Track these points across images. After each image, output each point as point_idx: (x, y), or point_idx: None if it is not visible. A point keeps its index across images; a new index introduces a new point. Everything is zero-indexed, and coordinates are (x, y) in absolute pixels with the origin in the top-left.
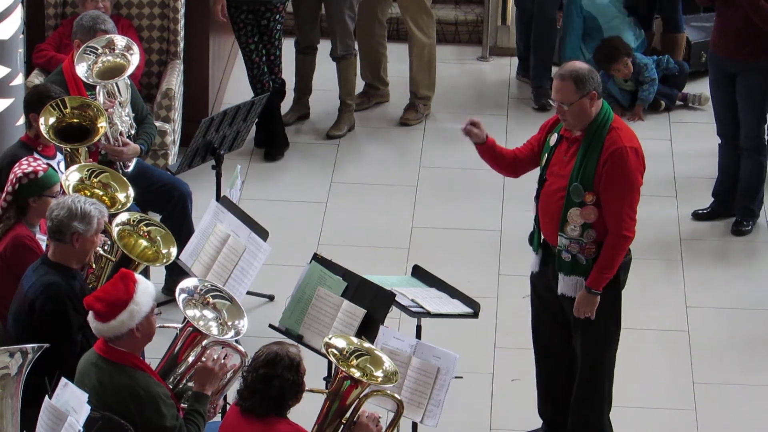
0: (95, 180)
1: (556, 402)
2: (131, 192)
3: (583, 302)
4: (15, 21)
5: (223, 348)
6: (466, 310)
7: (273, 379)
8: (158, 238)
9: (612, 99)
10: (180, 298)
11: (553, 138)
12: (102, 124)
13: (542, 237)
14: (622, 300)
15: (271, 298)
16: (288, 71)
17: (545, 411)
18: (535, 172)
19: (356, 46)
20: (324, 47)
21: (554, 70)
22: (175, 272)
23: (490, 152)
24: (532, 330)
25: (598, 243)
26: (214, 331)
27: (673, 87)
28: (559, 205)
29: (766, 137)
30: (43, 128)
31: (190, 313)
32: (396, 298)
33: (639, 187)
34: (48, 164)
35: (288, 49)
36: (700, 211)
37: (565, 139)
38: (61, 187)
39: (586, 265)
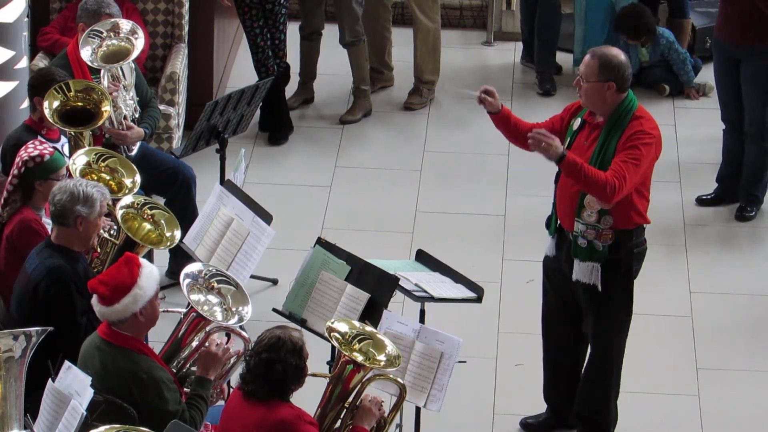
0: (102, 164)
1: (562, 387)
2: (138, 178)
3: (547, 145)
4: (20, 4)
5: (226, 333)
6: (470, 294)
7: (276, 364)
8: (162, 221)
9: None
10: (184, 282)
11: (577, 122)
12: (106, 108)
13: (559, 222)
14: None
15: (274, 282)
16: (293, 55)
17: (551, 396)
18: (538, 163)
19: (364, 32)
20: (330, 33)
21: (558, 55)
22: (179, 256)
23: (504, 122)
24: (542, 314)
25: (615, 230)
26: (218, 316)
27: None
28: (577, 190)
29: None
30: (47, 112)
31: (194, 297)
32: (400, 283)
33: (646, 167)
34: (54, 147)
35: (293, 33)
36: (704, 197)
37: (588, 123)
38: (68, 170)
39: (602, 252)
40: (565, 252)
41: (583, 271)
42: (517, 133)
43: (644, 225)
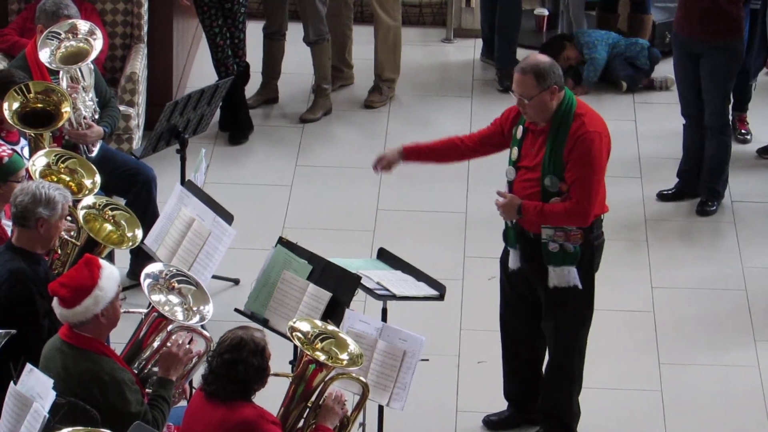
0: (62, 165)
1: (522, 383)
2: (98, 178)
3: (508, 207)
4: None
5: (188, 333)
6: (432, 292)
7: (238, 364)
8: (123, 222)
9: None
10: (145, 283)
11: (519, 131)
12: (66, 109)
13: (516, 232)
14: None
15: (236, 281)
16: (256, 55)
17: (511, 392)
18: (499, 159)
19: (328, 30)
20: (291, 31)
21: (519, 52)
22: (140, 257)
23: (420, 156)
24: (500, 311)
25: (583, 229)
26: (180, 316)
27: (638, 70)
28: (536, 197)
29: (730, 116)
30: (6, 113)
31: (156, 298)
32: (362, 281)
33: (602, 171)
34: (12, 149)
35: (252, 32)
36: (665, 192)
37: (531, 131)
38: (27, 171)
39: (575, 253)
40: (537, 262)
41: (559, 276)
42: (438, 156)
43: (602, 216)
